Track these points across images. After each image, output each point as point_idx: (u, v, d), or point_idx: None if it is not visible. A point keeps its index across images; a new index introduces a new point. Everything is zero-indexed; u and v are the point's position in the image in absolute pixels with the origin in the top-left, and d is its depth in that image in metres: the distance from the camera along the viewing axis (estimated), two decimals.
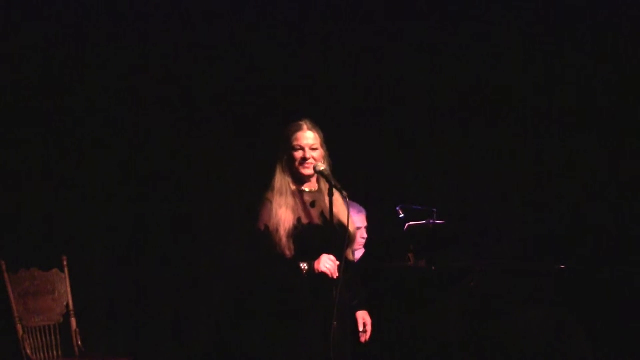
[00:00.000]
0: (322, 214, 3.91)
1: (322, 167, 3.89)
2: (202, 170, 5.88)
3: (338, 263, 3.79)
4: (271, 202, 3.88)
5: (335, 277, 3.77)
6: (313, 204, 3.93)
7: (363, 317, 4.04)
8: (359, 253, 5.23)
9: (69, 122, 5.58)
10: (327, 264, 3.78)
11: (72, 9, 5.54)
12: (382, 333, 4.59)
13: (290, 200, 3.90)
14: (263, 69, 5.98)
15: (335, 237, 3.82)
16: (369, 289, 4.48)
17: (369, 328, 4.04)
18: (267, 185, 3.95)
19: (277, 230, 3.83)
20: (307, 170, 3.91)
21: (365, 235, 5.32)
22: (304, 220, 3.88)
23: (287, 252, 3.82)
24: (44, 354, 5.09)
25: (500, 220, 6.13)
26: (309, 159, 3.89)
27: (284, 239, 3.82)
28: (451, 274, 5.01)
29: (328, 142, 4.02)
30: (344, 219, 3.90)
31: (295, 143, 3.92)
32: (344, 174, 4.02)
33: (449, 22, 6.28)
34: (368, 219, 5.44)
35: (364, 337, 4.03)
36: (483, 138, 6.32)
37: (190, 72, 5.86)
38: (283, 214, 3.85)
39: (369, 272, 4.95)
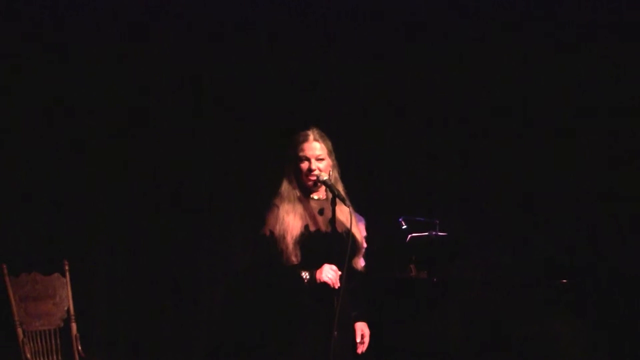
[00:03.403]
0: (329, 221, 3.92)
1: (325, 177, 3.90)
2: (206, 175, 5.88)
3: (340, 273, 3.80)
4: (278, 208, 3.91)
5: (336, 287, 3.79)
6: (321, 212, 3.95)
7: (362, 329, 4.05)
8: (361, 261, 5.14)
9: (71, 124, 5.58)
10: (329, 273, 3.80)
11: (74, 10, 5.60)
12: (383, 344, 4.61)
13: (298, 207, 3.92)
14: (270, 76, 6.00)
15: (341, 245, 3.83)
16: (371, 299, 4.51)
17: (366, 340, 4.05)
18: (274, 191, 3.98)
19: (284, 237, 3.85)
20: (312, 182, 3.93)
21: (365, 245, 5.30)
22: (312, 228, 3.91)
23: (294, 259, 3.84)
24: (44, 358, 5.05)
25: (502, 233, 6.17)
26: (314, 170, 3.92)
27: (291, 246, 3.84)
28: (452, 286, 5.05)
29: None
30: (352, 228, 3.91)
31: (301, 154, 3.95)
32: (346, 184, 4.04)
33: (451, 30, 6.31)
34: (367, 229, 5.48)
35: (361, 349, 4.04)
36: (485, 149, 6.34)
37: (198, 75, 5.88)
38: (291, 220, 3.88)
39: (371, 283, 4.98)
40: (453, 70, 6.32)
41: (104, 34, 5.64)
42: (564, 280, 5.00)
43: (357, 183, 4.40)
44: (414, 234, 5.42)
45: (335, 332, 3.77)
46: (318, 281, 3.81)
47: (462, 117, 6.36)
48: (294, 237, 3.85)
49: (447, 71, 6.33)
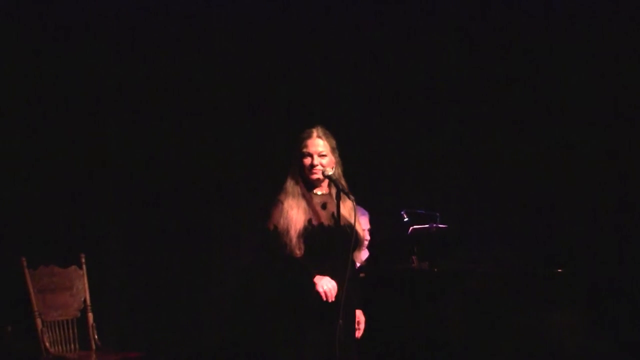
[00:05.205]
0: (332, 215, 3.98)
1: (330, 171, 3.98)
2: (217, 171, 5.95)
3: (336, 290, 3.85)
4: (282, 203, 3.97)
5: (329, 300, 3.84)
6: (324, 206, 4.01)
7: (358, 316, 4.12)
8: (363, 254, 5.27)
9: (86, 124, 5.66)
10: (327, 285, 3.86)
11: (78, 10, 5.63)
12: (385, 332, 4.78)
13: (301, 202, 3.98)
14: (275, 76, 6.05)
15: (343, 238, 3.89)
16: (375, 289, 4.63)
17: (362, 326, 4.13)
18: (279, 187, 4.03)
19: (288, 231, 3.91)
20: (315, 176, 4.00)
21: (368, 238, 5.43)
22: (315, 222, 3.96)
23: (297, 252, 3.90)
24: (62, 347, 5.13)
25: (501, 224, 6.16)
26: (317, 165, 3.99)
27: (294, 239, 3.90)
28: (453, 276, 5.08)
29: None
30: (353, 222, 3.98)
31: (304, 150, 4.02)
32: (350, 179, 4.10)
33: (447, 25, 6.32)
34: (371, 222, 5.55)
35: (358, 334, 4.11)
36: (485, 142, 6.33)
37: (205, 75, 5.92)
38: (294, 214, 3.94)
39: (374, 274, 5.10)
40: (453, 66, 6.34)
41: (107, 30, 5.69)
42: (560, 270, 4.99)
43: (360, 178, 4.45)
44: (415, 226, 5.44)
45: (341, 321, 3.82)
46: (315, 285, 3.85)
47: (463, 112, 6.36)
48: (298, 231, 3.91)
49: (447, 67, 6.34)
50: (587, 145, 6.21)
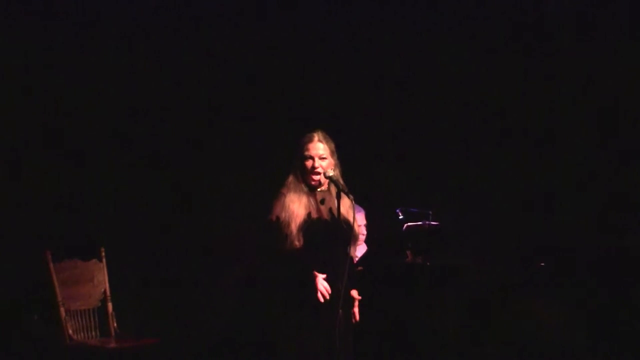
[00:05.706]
0: (330, 210, 4.21)
1: (331, 172, 4.20)
2: (226, 169, 6.14)
3: (330, 290, 4.08)
4: (285, 196, 4.18)
5: (321, 301, 4.06)
6: (323, 201, 4.23)
7: (353, 295, 4.34)
8: (361, 249, 5.50)
9: (102, 122, 5.84)
10: (323, 286, 4.09)
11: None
12: (382, 322, 5.06)
13: (303, 197, 4.20)
14: (275, 76, 6.18)
15: (341, 232, 4.11)
16: (371, 282, 4.82)
17: (356, 310, 4.33)
18: (282, 182, 4.25)
19: (289, 224, 4.12)
20: (316, 177, 4.22)
21: (365, 232, 5.63)
22: (314, 215, 4.18)
23: (297, 243, 4.11)
24: (83, 334, 5.32)
25: (490, 221, 6.27)
26: (317, 168, 4.22)
27: (295, 231, 4.11)
28: (444, 270, 5.29)
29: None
30: (350, 218, 4.21)
31: (306, 153, 4.25)
32: (348, 179, 4.29)
33: (445, 25, 6.39)
34: (367, 218, 5.73)
35: (355, 317, 4.34)
36: (477, 144, 6.46)
37: (206, 75, 6.05)
38: (296, 208, 4.15)
39: (371, 267, 5.29)
40: (453, 66, 6.39)
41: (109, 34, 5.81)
42: (542, 263, 5.21)
43: (358, 178, 4.58)
44: (409, 224, 5.55)
45: (341, 311, 4.05)
46: (316, 278, 4.08)
47: (459, 114, 6.46)
48: (298, 224, 4.12)
49: (447, 67, 6.41)
50: (587, 145, 6.29)
